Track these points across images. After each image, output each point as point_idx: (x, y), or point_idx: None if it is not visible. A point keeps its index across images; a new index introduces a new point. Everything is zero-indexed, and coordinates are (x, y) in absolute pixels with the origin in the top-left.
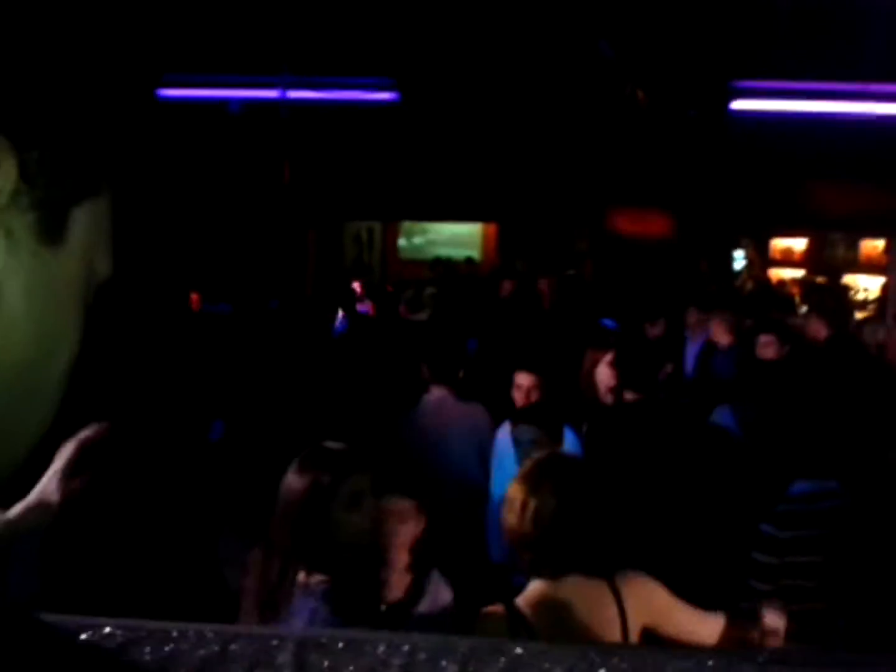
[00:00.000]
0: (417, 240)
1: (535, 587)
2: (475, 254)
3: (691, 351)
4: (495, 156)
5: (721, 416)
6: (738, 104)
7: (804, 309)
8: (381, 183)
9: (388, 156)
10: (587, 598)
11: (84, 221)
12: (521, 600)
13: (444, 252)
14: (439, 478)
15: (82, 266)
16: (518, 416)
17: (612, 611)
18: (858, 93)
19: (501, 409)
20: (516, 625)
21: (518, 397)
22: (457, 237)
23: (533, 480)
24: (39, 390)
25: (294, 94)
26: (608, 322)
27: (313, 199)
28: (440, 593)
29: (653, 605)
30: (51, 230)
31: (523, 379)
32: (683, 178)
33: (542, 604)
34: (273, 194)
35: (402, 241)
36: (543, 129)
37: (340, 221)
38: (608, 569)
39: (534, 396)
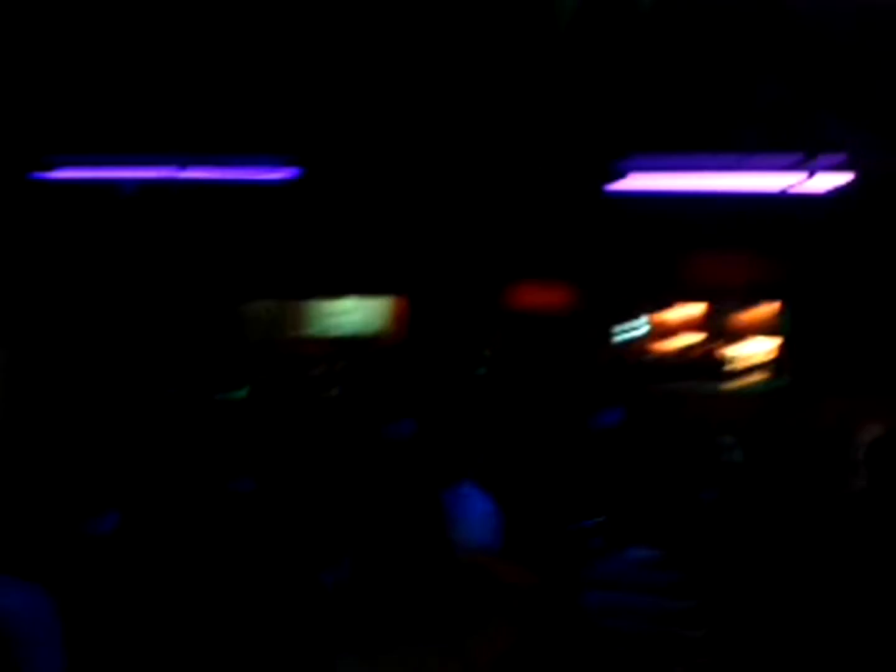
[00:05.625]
0: (321, 316)
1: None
2: (381, 328)
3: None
4: (398, 232)
5: None
6: (628, 182)
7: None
8: (284, 261)
9: (290, 233)
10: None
11: None
12: None
13: (348, 328)
14: None
15: None
16: None
17: None
18: (737, 165)
19: None
20: None
21: None
22: (362, 312)
23: None
24: None
25: (190, 173)
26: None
27: (212, 279)
28: None
29: None
30: None
31: None
32: (583, 253)
33: None
34: (172, 277)
35: (306, 318)
36: (447, 204)
37: (243, 301)
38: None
39: None
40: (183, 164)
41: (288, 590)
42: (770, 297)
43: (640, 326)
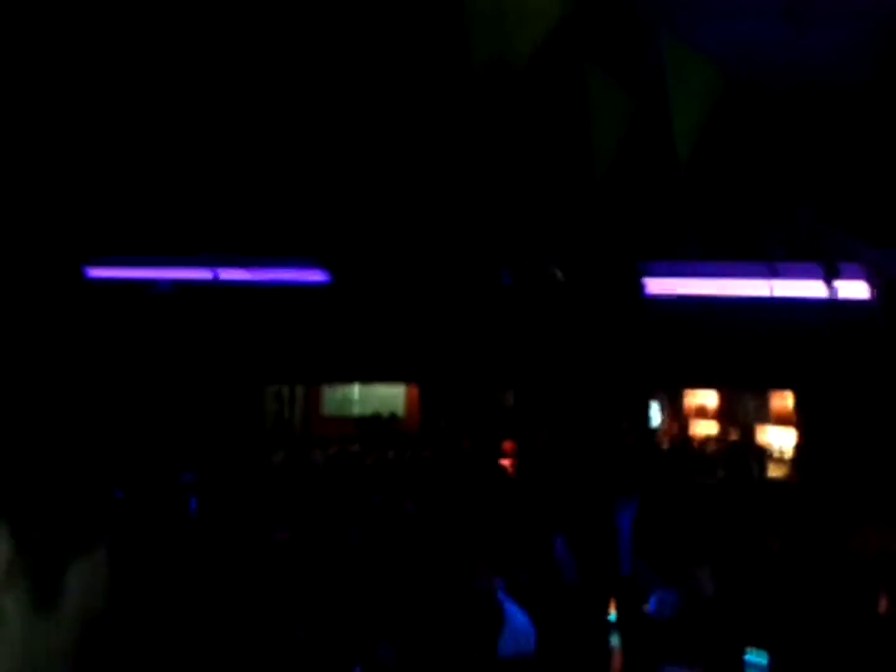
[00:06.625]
0: (340, 397)
1: None
2: (399, 410)
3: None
4: (417, 324)
5: None
6: (658, 285)
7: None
8: (306, 347)
9: (316, 325)
10: None
11: (79, 584)
12: None
13: (367, 409)
14: None
15: (77, 629)
16: None
17: None
18: (756, 271)
19: None
20: None
21: None
22: (380, 394)
23: None
24: None
25: (224, 274)
26: None
27: (236, 361)
28: None
29: None
30: (44, 597)
31: None
32: (600, 340)
33: None
34: (202, 365)
35: (324, 399)
36: (462, 296)
37: (262, 384)
38: None
39: None
40: (218, 266)
41: None
42: (788, 388)
43: (654, 415)
